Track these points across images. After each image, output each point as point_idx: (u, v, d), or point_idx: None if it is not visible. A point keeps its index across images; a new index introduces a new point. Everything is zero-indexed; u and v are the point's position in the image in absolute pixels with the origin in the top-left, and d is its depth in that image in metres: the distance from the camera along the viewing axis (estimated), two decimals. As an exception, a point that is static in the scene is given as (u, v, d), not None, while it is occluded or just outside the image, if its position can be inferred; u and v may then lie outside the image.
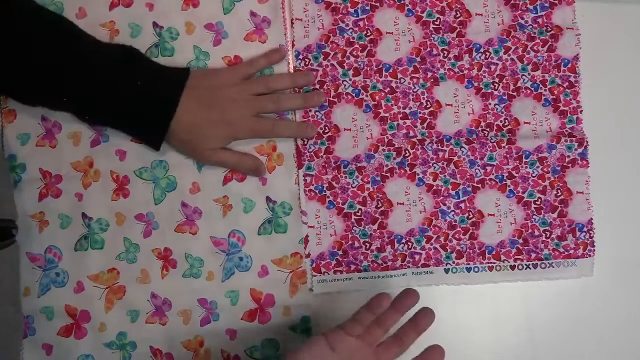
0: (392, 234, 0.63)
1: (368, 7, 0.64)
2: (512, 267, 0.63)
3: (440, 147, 0.64)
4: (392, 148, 0.63)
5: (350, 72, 0.64)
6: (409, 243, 0.63)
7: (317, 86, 0.64)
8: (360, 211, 0.63)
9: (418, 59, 0.64)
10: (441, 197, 0.63)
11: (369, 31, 0.64)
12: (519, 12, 0.65)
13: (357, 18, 0.64)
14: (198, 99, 0.59)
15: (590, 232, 0.63)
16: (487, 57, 0.64)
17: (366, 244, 0.63)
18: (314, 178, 0.63)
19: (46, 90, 0.58)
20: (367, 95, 0.64)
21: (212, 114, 0.59)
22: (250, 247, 0.62)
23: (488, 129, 0.64)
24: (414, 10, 0.65)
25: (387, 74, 0.64)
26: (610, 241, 0.64)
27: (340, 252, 0.63)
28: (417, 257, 0.63)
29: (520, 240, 0.63)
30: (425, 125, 0.64)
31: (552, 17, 0.65)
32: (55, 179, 0.62)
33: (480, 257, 0.63)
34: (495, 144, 0.64)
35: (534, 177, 0.64)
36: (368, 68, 0.64)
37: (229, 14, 0.64)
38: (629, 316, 0.64)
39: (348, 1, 0.64)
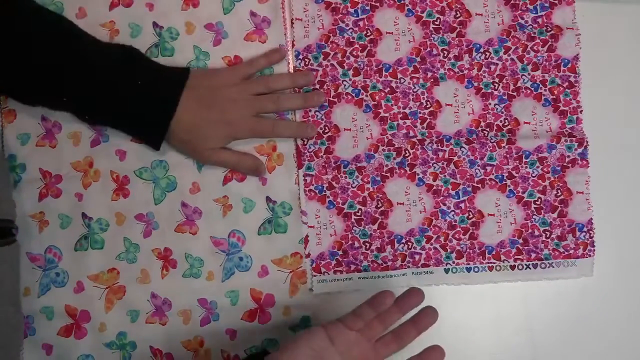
0: (392, 234, 0.63)
1: (368, 7, 0.64)
2: (512, 267, 0.63)
3: (440, 147, 0.64)
4: (392, 148, 0.63)
5: (350, 72, 0.64)
6: (409, 243, 0.63)
7: (317, 86, 0.64)
8: (360, 211, 0.63)
9: (418, 59, 0.64)
10: (441, 197, 0.63)
11: (369, 31, 0.64)
12: (519, 12, 0.65)
13: (357, 18, 0.64)
14: (198, 99, 0.59)
15: (590, 232, 0.63)
16: (487, 57, 0.64)
17: (366, 244, 0.63)
18: (314, 178, 0.63)
19: (46, 90, 0.58)
20: (367, 95, 0.64)
21: (212, 114, 0.59)
22: (250, 247, 0.62)
23: (488, 129, 0.64)
24: (414, 10, 0.65)
25: (387, 74, 0.64)
26: (610, 241, 0.64)
27: (340, 252, 0.63)
28: (417, 257, 0.63)
29: (520, 240, 0.63)
30: (425, 125, 0.64)
31: (552, 17, 0.65)
32: (55, 179, 0.62)
33: (480, 257, 0.63)
34: (495, 144, 0.64)
35: (534, 177, 0.64)
36: (368, 68, 0.64)
37: (229, 14, 0.64)
38: (629, 316, 0.64)
39: (348, 1, 0.64)
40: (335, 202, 0.63)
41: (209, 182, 0.63)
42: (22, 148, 0.62)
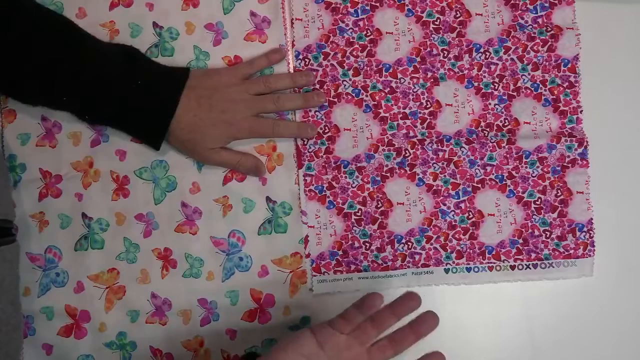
0: (392, 234, 0.63)
1: (368, 7, 0.64)
2: (512, 267, 0.63)
3: (440, 147, 0.64)
4: (392, 148, 0.63)
5: (350, 72, 0.64)
6: (409, 243, 0.63)
7: (317, 86, 0.64)
8: (360, 211, 0.63)
9: (418, 59, 0.64)
10: (441, 197, 0.63)
11: (369, 31, 0.64)
12: (519, 12, 0.65)
13: (357, 18, 0.64)
14: (198, 99, 0.59)
15: (590, 232, 0.63)
16: (487, 57, 0.64)
17: (366, 244, 0.63)
18: (314, 178, 0.63)
19: (46, 89, 0.58)
20: (367, 95, 0.64)
21: (212, 114, 0.59)
22: (250, 247, 0.62)
23: (488, 129, 0.64)
24: (414, 10, 0.65)
25: (387, 74, 0.64)
26: (610, 241, 0.64)
27: (340, 252, 0.63)
28: (417, 257, 0.63)
29: (520, 240, 0.63)
30: (425, 125, 0.64)
31: (552, 17, 0.65)
32: (55, 179, 0.62)
33: (480, 257, 0.63)
34: (495, 144, 0.64)
35: (534, 177, 0.64)
36: (368, 68, 0.64)
37: (229, 14, 0.64)
38: (629, 316, 0.64)
39: (348, 1, 0.64)
40: (335, 202, 0.63)
41: (209, 182, 0.63)
42: (22, 148, 0.62)
